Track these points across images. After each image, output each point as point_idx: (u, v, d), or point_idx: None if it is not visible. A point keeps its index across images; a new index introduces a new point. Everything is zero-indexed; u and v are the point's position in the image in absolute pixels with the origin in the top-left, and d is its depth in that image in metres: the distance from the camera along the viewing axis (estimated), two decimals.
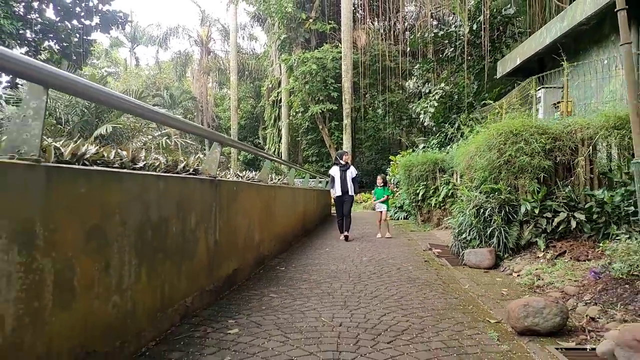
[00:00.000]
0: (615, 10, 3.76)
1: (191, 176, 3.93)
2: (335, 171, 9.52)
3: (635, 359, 2.27)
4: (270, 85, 31.11)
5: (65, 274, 2.14)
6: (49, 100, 10.76)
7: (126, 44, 47.71)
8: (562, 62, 8.23)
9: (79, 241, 2.26)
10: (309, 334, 3.28)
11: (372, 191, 10.81)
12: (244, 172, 6.96)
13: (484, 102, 14.39)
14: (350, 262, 6.56)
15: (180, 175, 3.68)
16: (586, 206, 5.62)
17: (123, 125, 13.67)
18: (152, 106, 3.05)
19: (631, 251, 3.66)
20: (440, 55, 18.25)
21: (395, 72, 23.93)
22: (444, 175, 11.13)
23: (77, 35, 20.52)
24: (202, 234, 3.98)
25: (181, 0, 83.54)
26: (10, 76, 19.64)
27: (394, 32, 24.17)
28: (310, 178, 13.60)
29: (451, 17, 21.03)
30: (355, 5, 25.73)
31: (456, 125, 14.19)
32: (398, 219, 14.56)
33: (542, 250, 5.63)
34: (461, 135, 11.74)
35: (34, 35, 19.33)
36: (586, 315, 3.39)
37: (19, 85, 19.01)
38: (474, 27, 15.65)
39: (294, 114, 26.90)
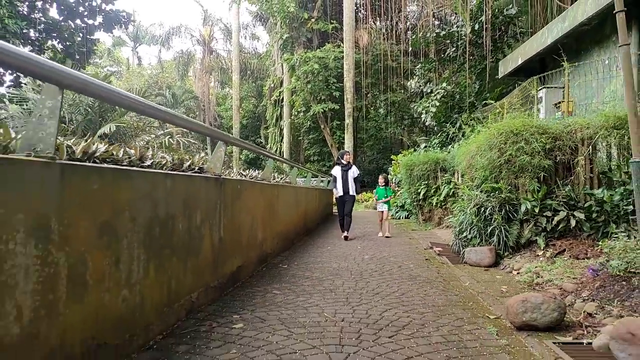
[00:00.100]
0: (614, 12, 3.82)
1: (197, 174, 4.00)
2: (336, 171, 9.57)
3: (630, 351, 2.34)
4: (272, 85, 31.20)
5: (78, 267, 2.22)
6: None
7: (129, 43, 47.83)
8: (563, 63, 8.27)
9: (91, 236, 2.34)
10: (312, 328, 3.36)
11: (374, 190, 10.84)
12: (247, 171, 7.03)
13: (485, 101, 14.44)
14: (352, 260, 6.64)
15: (186, 174, 3.75)
16: (586, 205, 5.69)
17: (126, 124, 13.73)
18: (164, 107, 3.13)
19: (628, 249, 3.73)
20: (442, 55, 18.29)
21: (397, 72, 23.99)
22: (445, 175, 11.20)
23: (81, 35, 20.63)
24: (207, 231, 4.06)
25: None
26: (15, 75, 19.74)
27: (395, 31, 24.22)
28: (312, 177, 13.67)
29: (453, 17, 21.07)
30: (358, 5, 25.80)
31: (457, 124, 14.25)
32: (399, 218, 14.63)
33: (542, 248, 5.70)
34: (462, 135, 11.80)
35: (37, 35, 19.44)
36: (584, 311, 3.46)
37: (22, 85, 19.11)
38: (476, 27, 15.70)
39: (296, 113, 26.97)
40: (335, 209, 13.25)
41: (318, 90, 24.19)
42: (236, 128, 33.00)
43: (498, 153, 6.17)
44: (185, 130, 23.37)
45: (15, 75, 19.47)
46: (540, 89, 10.20)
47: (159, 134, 15.77)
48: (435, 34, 17.44)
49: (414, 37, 20.57)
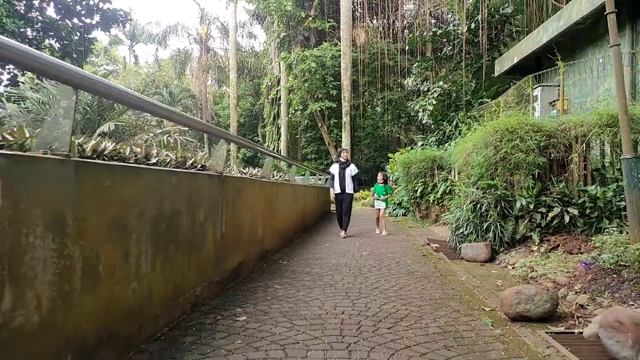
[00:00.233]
0: (605, 13, 3.94)
1: (200, 172, 4.10)
2: (334, 169, 9.56)
3: (617, 338, 2.45)
4: (269, 83, 31.25)
5: (91, 260, 2.32)
6: (52, 99, 10.84)
7: (125, 41, 47.74)
8: (557, 62, 8.40)
9: (103, 231, 2.44)
10: (314, 320, 3.47)
11: (372, 188, 10.91)
12: (247, 169, 7.12)
13: (481, 100, 14.57)
14: (350, 256, 6.74)
15: (190, 171, 3.85)
16: (579, 201, 5.82)
17: (125, 122, 13.81)
18: (176, 109, 3.23)
19: (619, 243, 3.85)
20: (439, 54, 18.41)
21: (394, 70, 24.11)
22: (442, 172, 11.32)
23: (78, 34, 20.63)
24: (210, 227, 4.16)
25: None
26: (12, 74, 19.74)
27: (392, 30, 24.33)
28: (310, 175, 13.77)
29: (450, 15, 21.18)
30: (355, 4, 25.88)
31: (454, 123, 14.37)
32: (397, 216, 14.75)
33: (536, 244, 5.82)
34: (459, 133, 11.92)
35: (35, 34, 19.43)
36: (576, 303, 3.58)
37: (19, 83, 19.10)
38: (472, 25, 15.82)
39: (293, 111, 27.05)
40: (333, 207, 13.33)
41: (315, 88, 24.28)
42: (234, 126, 33.05)
43: (494, 151, 6.29)
44: (183, 128, 23.43)
45: (12, 74, 19.49)
46: (536, 88, 10.32)
47: (157, 132, 15.87)
48: (432, 33, 17.55)
49: (410, 35, 20.68)
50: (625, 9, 8.47)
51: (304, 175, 13.01)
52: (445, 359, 2.71)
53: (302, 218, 10.06)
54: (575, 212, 5.73)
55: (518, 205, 6.08)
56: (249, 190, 5.57)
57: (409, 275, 5.29)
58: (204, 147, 36.35)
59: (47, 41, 20.06)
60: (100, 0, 20.27)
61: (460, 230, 6.75)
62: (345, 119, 22.17)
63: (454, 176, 10.29)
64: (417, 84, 20.25)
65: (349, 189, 9.38)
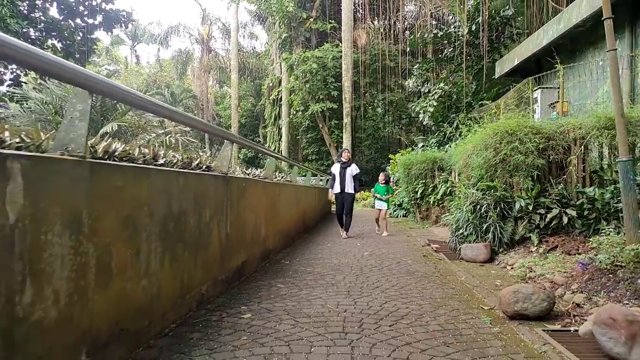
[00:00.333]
0: (602, 18, 4.03)
1: (205, 172, 4.19)
2: (335, 169, 9.58)
3: (611, 335, 2.54)
4: (270, 84, 31.36)
5: (104, 257, 2.41)
6: (55, 99, 10.94)
7: (127, 42, 47.90)
8: (556, 65, 8.49)
9: (116, 229, 2.53)
10: (317, 318, 3.56)
11: (372, 189, 10.96)
12: (249, 170, 7.21)
13: (482, 101, 14.65)
14: (351, 256, 6.83)
15: (196, 172, 3.94)
16: (578, 203, 5.90)
17: (128, 123, 13.91)
18: (182, 111, 3.33)
19: (615, 244, 3.94)
20: (440, 55, 18.49)
21: (395, 72, 24.21)
22: (443, 174, 11.41)
23: (81, 34, 20.72)
24: (215, 227, 4.25)
25: None
26: (15, 74, 19.84)
27: (394, 31, 24.43)
28: (311, 176, 13.86)
29: (451, 17, 21.28)
30: (356, 5, 25.98)
31: (455, 124, 14.45)
32: (397, 217, 14.84)
33: (535, 244, 5.91)
34: (459, 135, 12.01)
35: (37, 34, 19.53)
36: (572, 302, 3.67)
37: (22, 83, 19.21)
38: (473, 27, 15.91)
39: (295, 112, 27.15)
40: (334, 208, 13.38)
41: (316, 89, 24.39)
42: (235, 127, 33.15)
43: (493, 152, 6.38)
44: (184, 129, 23.53)
45: (15, 74, 19.60)
46: (536, 90, 10.40)
47: (159, 132, 15.97)
48: (432, 35, 17.64)
49: (412, 37, 20.77)
50: (624, 12, 8.56)
51: (305, 176, 13.10)
52: (444, 355, 2.80)
53: (304, 218, 10.15)
54: (574, 213, 5.81)
55: (517, 206, 6.17)
56: (252, 190, 5.66)
57: (410, 275, 5.38)
58: (204, 147, 36.50)
59: (49, 41, 20.15)
60: (103, 0, 20.37)
61: (460, 231, 6.84)
62: (346, 120, 22.26)
63: (454, 177, 10.38)
64: (418, 86, 20.32)
65: (350, 188, 9.34)
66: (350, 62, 22.14)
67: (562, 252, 5.46)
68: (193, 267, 3.70)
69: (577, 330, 3.04)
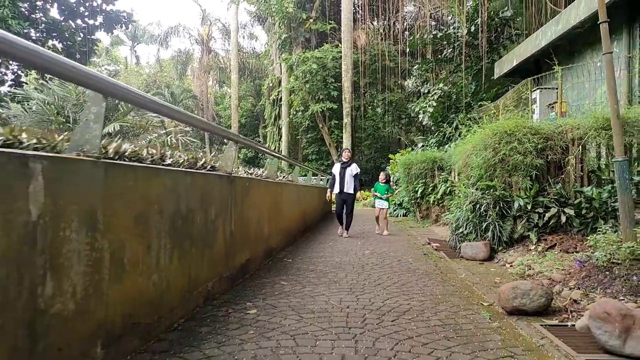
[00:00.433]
0: (598, 22, 4.12)
1: (211, 172, 4.28)
2: (336, 169, 9.60)
3: (605, 328, 2.63)
4: (270, 84, 31.46)
5: (118, 253, 2.51)
6: (57, 99, 11.02)
7: (127, 42, 47.98)
8: (554, 66, 8.59)
9: (128, 226, 2.62)
10: (320, 314, 3.65)
11: (372, 189, 11.04)
12: (252, 169, 7.30)
13: (481, 102, 14.76)
14: (353, 254, 6.93)
15: (202, 172, 4.03)
16: (576, 202, 5.99)
17: (129, 123, 14.00)
18: (193, 114, 3.42)
19: (611, 242, 4.04)
20: (439, 56, 18.60)
21: (394, 72, 24.32)
22: (442, 173, 11.50)
23: (81, 35, 20.79)
24: (221, 225, 4.34)
25: None
26: (16, 74, 19.93)
27: (393, 32, 24.53)
28: (312, 176, 13.95)
29: (450, 17, 21.40)
30: (356, 6, 26.08)
31: (454, 124, 14.55)
32: (397, 216, 14.94)
33: (533, 243, 6.01)
34: (459, 135, 12.09)
35: (38, 35, 19.59)
36: (569, 298, 3.77)
37: (23, 84, 19.28)
38: (472, 28, 16.02)
39: (294, 112, 27.25)
40: (334, 207, 13.43)
41: (316, 89, 24.49)
42: (235, 127, 33.25)
43: (492, 152, 6.47)
44: (185, 129, 23.62)
45: (16, 74, 19.69)
46: (535, 90, 10.50)
47: (160, 132, 16.08)
48: (432, 36, 17.74)
49: (411, 38, 20.86)
50: (621, 14, 8.66)
51: (306, 175, 13.19)
52: (445, 348, 2.89)
53: (305, 218, 10.23)
54: (572, 212, 5.91)
55: (516, 205, 6.26)
56: (255, 190, 5.75)
57: (411, 273, 5.47)
58: (205, 147, 36.61)
59: (50, 42, 20.21)
60: (104, 1, 20.44)
61: (460, 230, 6.93)
62: (346, 120, 22.37)
63: (454, 177, 10.48)
64: (417, 86, 20.43)
65: (350, 188, 9.33)
66: (350, 63, 22.24)
67: (560, 250, 5.55)
68: (200, 264, 3.80)
69: (573, 325, 3.14)
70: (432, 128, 17.35)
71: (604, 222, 5.63)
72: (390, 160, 17.77)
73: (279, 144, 30.74)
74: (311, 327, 3.31)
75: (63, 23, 20.09)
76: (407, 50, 22.13)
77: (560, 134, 6.31)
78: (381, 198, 10.08)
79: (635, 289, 3.47)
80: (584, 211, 5.90)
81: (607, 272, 3.90)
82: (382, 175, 10.35)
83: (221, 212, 4.36)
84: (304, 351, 2.82)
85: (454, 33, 17.11)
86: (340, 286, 4.72)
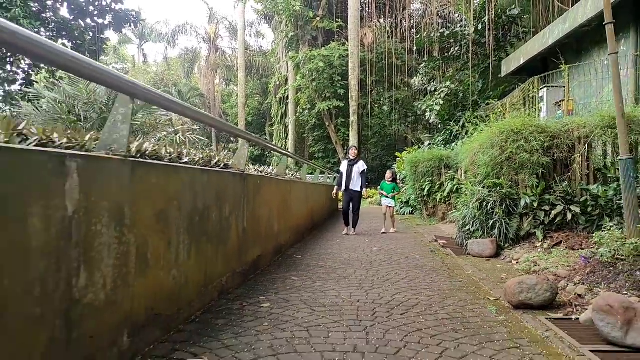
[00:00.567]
0: (604, 23, 4.20)
1: (225, 170, 4.41)
2: (343, 166, 9.66)
3: (608, 320, 2.74)
4: (277, 83, 31.59)
5: (142, 248, 2.64)
6: (68, 98, 11.24)
7: (134, 40, 48.28)
8: (561, 65, 8.64)
9: (151, 221, 2.76)
10: (332, 307, 3.78)
11: (378, 187, 11.12)
12: (262, 167, 7.44)
13: (488, 100, 14.80)
14: (361, 251, 7.05)
15: (216, 170, 4.17)
16: (581, 200, 6.07)
17: (140, 122, 14.21)
18: (217, 117, 3.56)
19: (615, 238, 4.13)
20: (446, 54, 18.63)
21: (401, 70, 24.37)
22: (449, 172, 11.58)
23: (91, 34, 21.02)
24: (234, 222, 4.47)
25: None
26: (27, 73, 20.21)
27: (400, 29, 24.55)
28: (320, 174, 14.07)
29: (457, 15, 21.39)
30: (362, 4, 26.11)
31: (461, 123, 14.61)
32: (404, 214, 15.03)
33: (540, 240, 6.09)
34: (466, 133, 12.17)
35: (49, 34, 19.83)
36: (574, 293, 3.87)
37: (34, 83, 19.54)
38: (479, 26, 16.04)
39: (301, 110, 27.36)
40: (341, 205, 13.51)
41: (323, 88, 24.58)
42: (241, 125, 33.41)
43: (499, 151, 6.56)
44: (192, 127, 23.83)
45: (27, 73, 19.94)
46: (542, 88, 10.54)
47: (170, 131, 16.28)
48: (439, 34, 17.77)
49: (418, 36, 20.89)
50: (628, 12, 8.69)
51: (313, 174, 13.31)
52: (453, 340, 3.01)
53: (312, 215, 10.35)
54: (578, 210, 5.98)
55: (522, 203, 6.35)
56: (266, 188, 5.88)
57: (418, 269, 5.59)
58: (212, 144, 36.88)
59: (60, 41, 20.43)
60: (113, 0, 20.63)
61: (467, 227, 7.03)
62: (353, 118, 22.44)
63: (461, 175, 10.55)
64: (424, 84, 20.49)
65: (357, 186, 9.35)
66: (356, 61, 22.30)
67: (566, 247, 5.64)
68: (215, 259, 3.93)
69: (578, 319, 3.24)
70: (439, 126, 17.41)
71: (609, 219, 5.70)
72: (397, 159, 17.84)
73: (286, 142, 30.88)
74: (323, 319, 3.43)
75: (73, 22, 20.30)
76: (414, 48, 22.16)
77: (566, 132, 6.39)
78: (387, 197, 10.09)
79: (638, 283, 3.56)
80: (589, 209, 5.97)
81: (612, 268, 3.99)
82: (388, 174, 10.38)
83: (234, 210, 4.49)
84: (317, 342, 2.94)
85: (461, 31, 17.13)
86: (349, 282, 4.84)
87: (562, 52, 10.22)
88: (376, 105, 27.22)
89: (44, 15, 19.72)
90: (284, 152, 8.76)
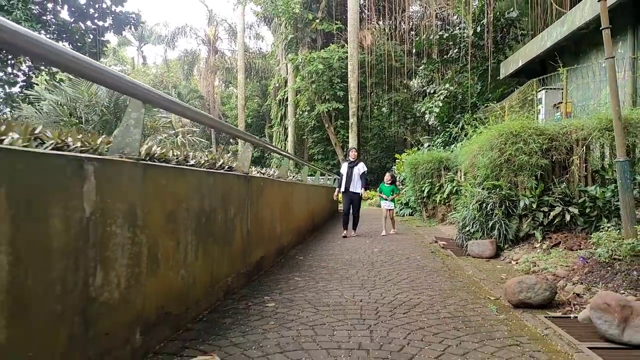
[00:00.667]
0: (601, 28, 4.29)
1: (229, 172, 4.49)
2: (343, 168, 9.65)
3: (605, 318, 2.82)
4: (277, 84, 31.69)
5: (153, 248, 2.72)
6: (69, 100, 11.32)
7: (134, 42, 48.35)
8: (559, 68, 8.73)
9: (161, 222, 2.83)
10: (335, 307, 3.86)
11: (378, 189, 11.16)
12: (264, 169, 7.52)
13: (487, 102, 14.90)
14: (362, 252, 7.12)
15: (221, 172, 4.25)
16: (580, 201, 6.16)
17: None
18: (225, 122, 3.64)
19: (613, 239, 4.21)
20: (445, 56, 18.75)
21: (400, 72, 24.47)
22: (449, 173, 11.67)
23: (91, 36, 21.09)
24: (239, 223, 4.55)
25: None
26: (27, 75, 20.26)
27: (399, 31, 24.67)
28: (320, 175, 14.15)
29: (455, 17, 21.52)
30: (362, 6, 26.24)
31: (460, 124, 14.71)
32: (404, 215, 15.11)
33: (539, 241, 6.18)
34: (465, 135, 12.27)
35: (49, 36, 19.86)
36: (573, 292, 3.95)
37: (34, 85, 19.59)
38: (478, 29, 16.17)
39: (301, 112, 27.46)
40: (341, 207, 13.54)
41: (322, 90, 24.69)
42: (241, 127, 33.49)
43: (498, 153, 6.65)
44: (192, 129, 23.90)
45: (27, 75, 19.98)
46: (540, 90, 10.64)
47: (170, 133, 16.36)
48: (438, 36, 17.89)
49: (417, 39, 21.01)
50: (626, 15, 8.79)
51: (314, 175, 13.39)
52: (455, 337, 3.09)
53: (313, 217, 10.42)
54: (576, 211, 6.07)
55: (522, 204, 6.43)
56: (269, 189, 5.96)
57: (419, 270, 5.67)
58: (211, 146, 36.96)
59: (60, 43, 20.46)
60: (113, 3, 20.70)
61: (467, 228, 7.11)
62: (352, 119, 22.55)
63: (460, 177, 10.64)
64: (423, 86, 20.60)
65: (357, 188, 9.38)
66: (356, 63, 22.42)
67: (565, 248, 5.73)
68: (220, 260, 4.01)
69: (576, 317, 3.32)
70: (438, 128, 17.51)
71: (607, 220, 5.78)
72: (397, 160, 17.93)
73: (285, 144, 30.97)
74: (328, 318, 3.51)
75: (73, 25, 20.35)
76: (413, 50, 22.27)
77: (564, 134, 6.48)
78: (386, 199, 10.06)
79: (635, 283, 3.64)
80: (588, 210, 6.06)
81: (609, 268, 4.08)
82: (387, 176, 10.35)
83: (239, 211, 4.57)
84: (323, 339, 3.02)
85: (460, 33, 17.26)
86: (352, 282, 4.92)
87: (560, 54, 10.33)
88: (375, 107, 27.33)
89: (45, 17, 19.78)
90: (286, 154, 8.84)
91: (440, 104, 16.18)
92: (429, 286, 4.73)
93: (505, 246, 6.57)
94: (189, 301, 3.28)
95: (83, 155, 2.13)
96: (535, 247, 6.12)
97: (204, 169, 3.79)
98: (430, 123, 17.77)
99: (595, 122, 6.26)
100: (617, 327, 2.77)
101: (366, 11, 26.85)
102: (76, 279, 2.03)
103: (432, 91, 17.63)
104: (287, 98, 29.93)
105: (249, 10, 35.02)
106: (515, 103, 11.30)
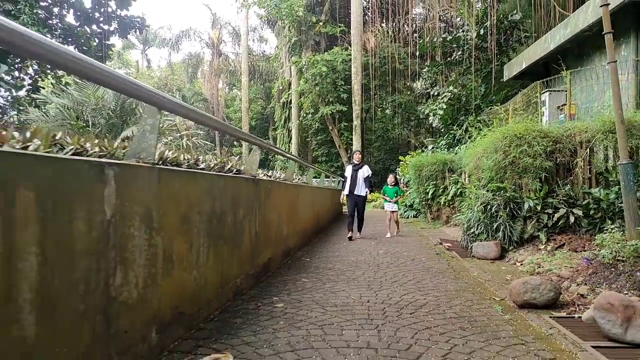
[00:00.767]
0: (603, 33, 4.36)
1: (238, 175, 4.58)
2: (348, 171, 9.76)
3: (609, 318, 2.89)
4: (280, 87, 31.82)
5: (168, 249, 2.81)
6: (75, 104, 11.43)
7: (138, 46, 48.62)
8: (563, 70, 8.78)
9: (176, 225, 2.92)
10: (343, 307, 3.93)
11: (381, 190, 11.20)
12: (270, 172, 7.60)
13: (491, 104, 14.95)
14: (367, 254, 7.19)
15: (231, 175, 4.33)
16: (584, 203, 6.21)
17: None
18: (227, 123, 3.74)
19: (616, 240, 4.27)
20: (449, 58, 18.80)
21: (403, 74, 24.55)
22: (453, 175, 11.72)
23: (97, 40, 21.27)
24: (247, 225, 4.64)
25: (192, 3, 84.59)
26: (33, 79, 20.45)
27: (402, 34, 24.75)
28: (324, 178, 14.23)
29: (459, 19, 21.59)
30: (365, 8, 26.34)
31: (464, 127, 14.76)
32: (408, 217, 15.16)
33: (543, 243, 6.23)
34: (469, 137, 12.32)
35: (55, 40, 20.02)
36: (577, 293, 4.01)
37: (40, 88, 19.77)
38: (481, 31, 16.23)
39: (304, 115, 27.55)
40: (345, 209, 13.58)
41: (326, 92, 24.77)
42: (245, 129, 33.61)
43: (503, 155, 6.71)
44: (197, 131, 24.04)
45: (33, 79, 20.17)
46: (544, 93, 10.68)
47: (176, 135, 16.49)
48: (441, 39, 17.96)
49: (420, 41, 21.08)
50: (629, 17, 8.83)
51: (318, 177, 13.48)
52: (461, 337, 3.16)
53: (318, 219, 10.50)
54: (580, 213, 6.12)
55: (526, 206, 6.49)
56: (276, 192, 6.04)
57: (425, 271, 5.73)
58: (215, 149, 37.13)
59: (66, 47, 20.57)
60: (118, 7, 20.88)
61: (472, 230, 7.17)
62: (356, 122, 22.62)
63: (465, 179, 10.69)
64: (426, 88, 20.65)
65: (361, 191, 9.44)
66: (359, 65, 22.51)
67: (569, 249, 5.78)
68: (230, 261, 4.09)
69: (580, 317, 3.38)
70: (442, 130, 17.56)
71: (611, 222, 5.83)
72: (400, 162, 17.99)
73: (289, 146, 31.07)
74: (336, 318, 3.59)
75: (79, 29, 20.54)
76: (417, 52, 22.34)
77: (568, 137, 6.53)
78: (390, 201, 10.06)
79: (638, 284, 3.70)
80: (592, 212, 6.11)
81: (613, 269, 4.14)
82: (390, 178, 10.36)
83: (247, 213, 4.65)
84: (332, 339, 3.10)
85: (464, 36, 17.31)
86: (358, 283, 5.00)
87: (564, 56, 10.37)
88: (379, 109, 27.40)
89: (51, 22, 19.98)
90: (291, 156, 8.93)
91: (444, 106, 16.23)
92: (435, 287, 4.79)
93: (510, 248, 6.63)
94: (201, 301, 3.36)
95: (104, 160, 2.22)
96: (540, 249, 6.18)
97: (214, 173, 3.88)
98: (434, 125, 17.85)
99: (599, 124, 6.31)
100: (620, 326, 2.83)
101: (369, 13, 26.94)
102: (98, 279, 2.12)
103: (435, 93, 17.69)
104: (290, 100, 30.04)
105: (252, 13, 35.12)
106: (519, 105, 11.35)
